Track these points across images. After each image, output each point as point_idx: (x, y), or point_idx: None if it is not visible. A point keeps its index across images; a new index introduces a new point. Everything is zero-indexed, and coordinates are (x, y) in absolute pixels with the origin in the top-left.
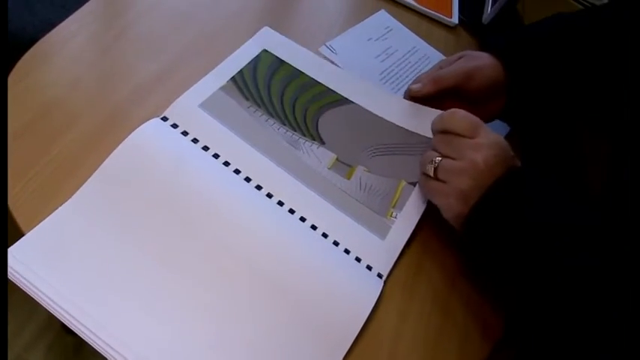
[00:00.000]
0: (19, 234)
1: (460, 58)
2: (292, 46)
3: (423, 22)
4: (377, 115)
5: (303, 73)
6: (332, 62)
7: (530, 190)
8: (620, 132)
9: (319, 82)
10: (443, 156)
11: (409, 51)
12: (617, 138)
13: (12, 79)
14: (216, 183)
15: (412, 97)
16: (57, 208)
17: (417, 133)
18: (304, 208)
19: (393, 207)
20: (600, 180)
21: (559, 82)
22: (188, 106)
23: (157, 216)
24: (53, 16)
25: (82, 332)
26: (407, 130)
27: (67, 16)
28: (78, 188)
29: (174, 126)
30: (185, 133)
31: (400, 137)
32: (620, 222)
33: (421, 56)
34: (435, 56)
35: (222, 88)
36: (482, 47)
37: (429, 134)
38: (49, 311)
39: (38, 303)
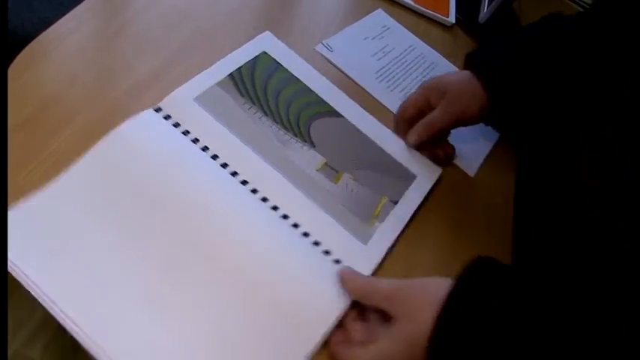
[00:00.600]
0: None
1: (436, 92)
2: (291, 55)
3: (420, 21)
4: (365, 135)
5: (299, 80)
6: (328, 60)
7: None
8: (619, 131)
9: (314, 92)
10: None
11: (405, 50)
12: (615, 138)
13: (11, 74)
14: (202, 176)
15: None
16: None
17: (400, 163)
18: (288, 206)
19: (376, 217)
20: (595, 180)
21: (546, 94)
22: (183, 98)
23: (141, 204)
24: (51, 14)
25: (53, 311)
26: (392, 157)
27: (64, 14)
28: None
29: (167, 117)
30: (177, 125)
31: (384, 161)
32: (619, 222)
33: (417, 55)
34: (431, 55)
35: (219, 84)
36: (466, 59)
37: (413, 168)
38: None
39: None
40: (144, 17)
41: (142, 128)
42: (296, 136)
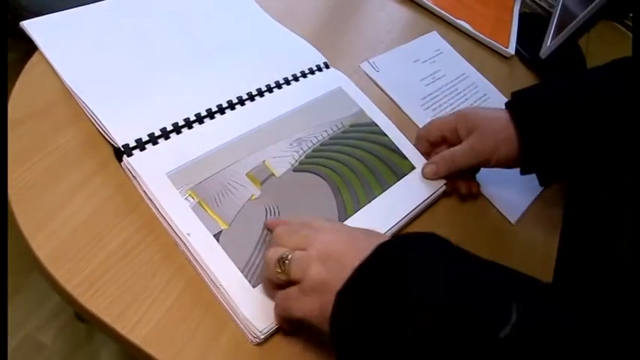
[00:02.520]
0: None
1: (465, 124)
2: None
3: (477, 48)
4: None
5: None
6: (371, 79)
7: (414, 258)
8: None
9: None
10: (291, 249)
11: (457, 77)
12: None
13: (29, 63)
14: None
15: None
16: (60, 195)
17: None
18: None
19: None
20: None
21: (588, 150)
22: None
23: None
24: None
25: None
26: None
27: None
28: (82, 178)
29: None
30: None
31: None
32: None
33: (470, 84)
34: (484, 86)
35: None
36: (510, 97)
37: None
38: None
39: (51, 287)
40: None
41: None
42: None
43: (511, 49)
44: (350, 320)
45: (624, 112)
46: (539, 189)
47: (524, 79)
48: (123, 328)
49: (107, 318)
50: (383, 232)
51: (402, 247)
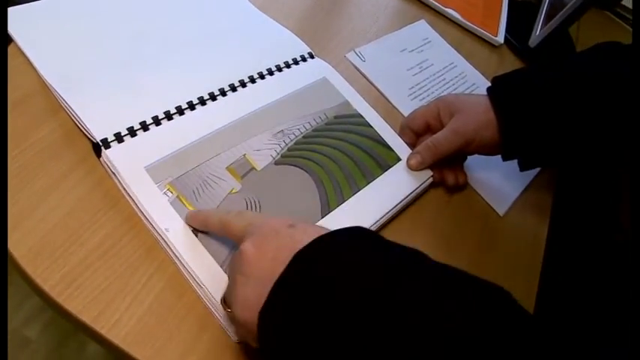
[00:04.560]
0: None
1: (447, 109)
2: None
3: (465, 37)
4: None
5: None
6: (358, 70)
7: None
8: None
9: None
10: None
11: (446, 67)
12: None
13: (12, 52)
14: None
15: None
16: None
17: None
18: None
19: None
20: (632, 221)
21: (571, 134)
22: None
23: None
24: None
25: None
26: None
27: None
28: (60, 173)
29: None
30: None
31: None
32: None
33: (458, 73)
34: (473, 75)
35: None
36: (491, 82)
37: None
38: None
39: (29, 287)
40: None
41: None
42: None
43: (500, 38)
44: (275, 338)
45: (611, 94)
46: (528, 179)
47: (513, 67)
48: (102, 328)
49: (86, 317)
50: (368, 225)
51: (318, 258)
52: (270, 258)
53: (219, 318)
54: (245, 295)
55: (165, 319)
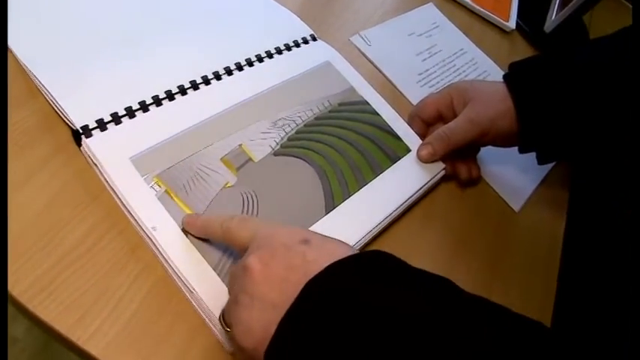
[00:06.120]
0: None
1: (461, 97)
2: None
3: (475, 22)
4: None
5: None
6: (363, 54)
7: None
8: None
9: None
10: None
11: (455, 53)
12: None
13: None
14: None
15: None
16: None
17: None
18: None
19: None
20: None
21: (592, 123)
22: None
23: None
24: None
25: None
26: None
27: None
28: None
29: None
30: None
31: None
32: None
33: (468, 60)
34: (484, 62)
35: None
36: (508, 68)
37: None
38: None
39: None
40: None
41: None
42: None
43: (512, 24)
44: None
45: (635, 83)
46: (543, 173)
47: (526, 54)
48: (78, 339)
49: (60, 326)
50: (376, 222)
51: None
52: (279, 279)
53: (212, 327)
54: (249, 320)
55: (152, 328)
